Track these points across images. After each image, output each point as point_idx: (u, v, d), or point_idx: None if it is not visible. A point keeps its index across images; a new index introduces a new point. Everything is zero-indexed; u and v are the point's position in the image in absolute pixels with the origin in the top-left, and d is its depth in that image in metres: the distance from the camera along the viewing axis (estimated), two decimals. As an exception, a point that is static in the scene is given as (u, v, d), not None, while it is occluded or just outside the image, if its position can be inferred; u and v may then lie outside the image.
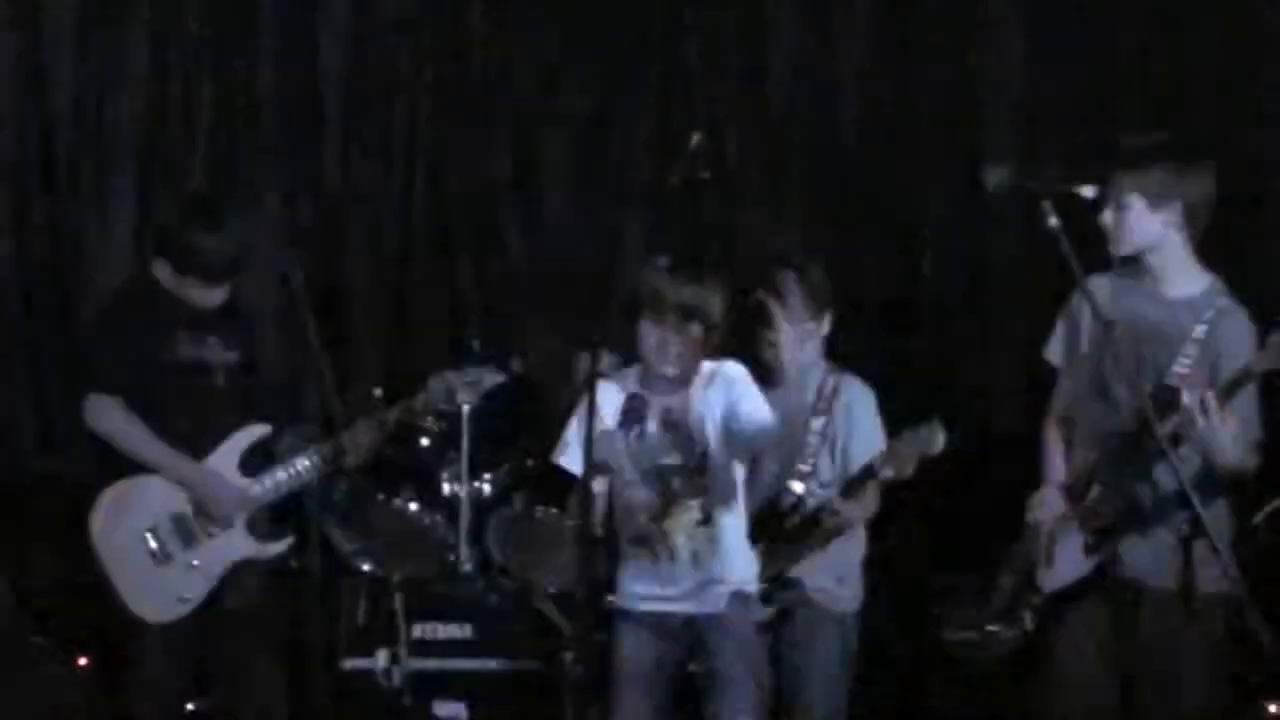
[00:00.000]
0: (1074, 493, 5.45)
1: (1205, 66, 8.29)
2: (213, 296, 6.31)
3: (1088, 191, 5.32)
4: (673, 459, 5.45)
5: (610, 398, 5.49)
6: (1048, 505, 5.49)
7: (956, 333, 8.47)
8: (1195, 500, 4.91)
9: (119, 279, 7.04)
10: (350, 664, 6.88)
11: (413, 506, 7.21)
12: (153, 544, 6.20)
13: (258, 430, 6.36)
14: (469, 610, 6.94)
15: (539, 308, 8.29)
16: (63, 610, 7.18)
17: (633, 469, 5.47)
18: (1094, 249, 5.38)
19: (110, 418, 6.20)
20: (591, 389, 5.39)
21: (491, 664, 6.89)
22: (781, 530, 5.79)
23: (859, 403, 5.94)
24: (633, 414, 5.46)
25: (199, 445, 6.28)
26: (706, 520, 5.44)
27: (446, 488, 7.23)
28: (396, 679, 6.83)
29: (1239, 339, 5.24)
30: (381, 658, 6.86)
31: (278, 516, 6.35)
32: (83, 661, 6.92)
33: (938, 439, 5.45)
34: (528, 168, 8.58)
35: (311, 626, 6.61)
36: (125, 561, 6.19)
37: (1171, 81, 8.25)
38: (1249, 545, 6.26)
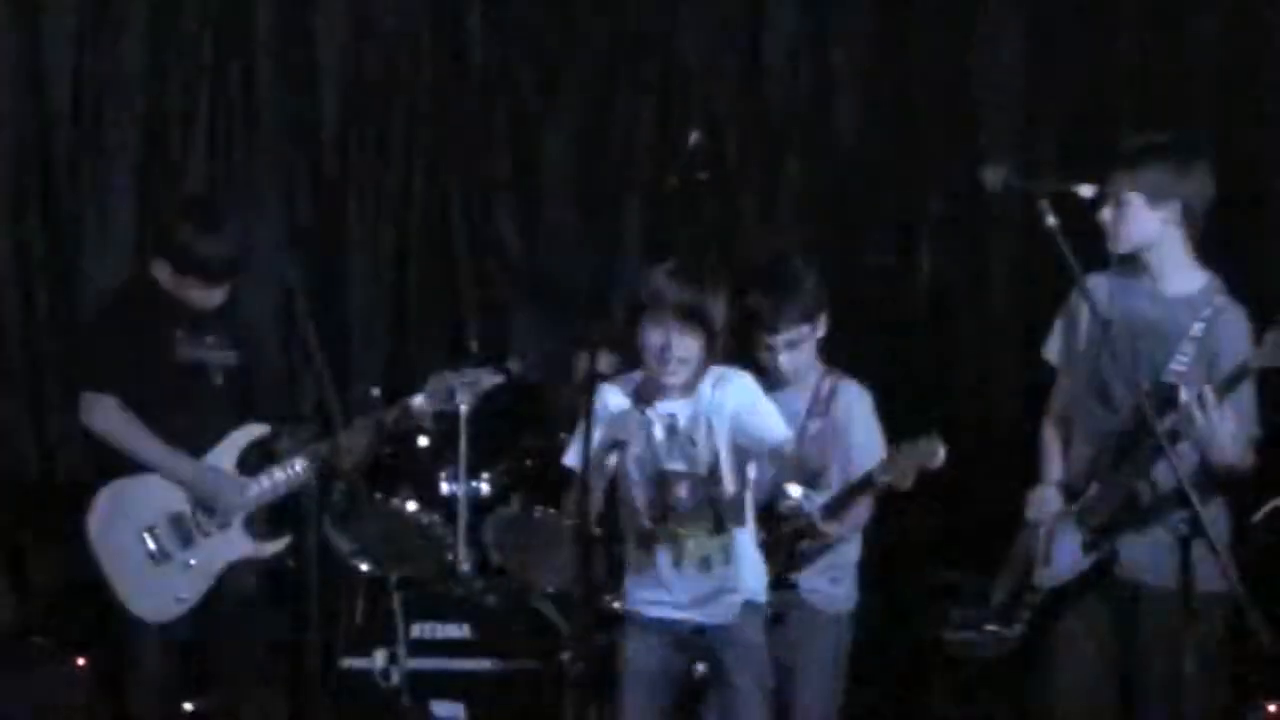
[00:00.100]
0: (1072, 491, 5.45)
1: (1205, 66, 8.28)
2: (211, 297, 6.31)
3: (1085, 191, 5.32)
4: (678, 465, 5.41)
5: (616, 401, 5.47)
6: (1046, 503, 5.49)
7: (956, 333, 8.48)
8: (1193, 498, 4.90)
9: (118, 279, 7.04)
10: (348, 664, 6.86)
11: (411, 506, 7.20)
12: (150, 543, 6.20)
13: (256, 430, 6.36)
14: (467, 610, 6.92)
15: (537, 308, 8.30)
16: (63, 610, 7.18)
17: (638, 473, 5.44)
18: (1092, 248, 5.37)
19: (108, 417, 6.20)
20: (590, 389, 5.38)
21: (490, 664, 6.88)
22: (777, 535, 5.77)
23: (856, 406, 5.93)
24: (644, 398, 5.42)
25: (197, 445, 6.28)
26: (719, 528, 5.41)
27: (444, 487, 7.22)
28: (395, 679, 6.81)
29: (1237, 336, 5.25)
30: (379, 658, 6.85)
31: (275, 516, 6.35)
32: (81, 662, 6.90)
33: (938, 453, 5.42)
34: (526, 168, 8.59)
35: (309, 626, 6.60)
36: (123, 561, 6.19)
37: (1171, 81, 8.24)
38: (1248, 545, 6.27)
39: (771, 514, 5.78)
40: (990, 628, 5.64)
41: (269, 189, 8.32)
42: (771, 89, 8.60)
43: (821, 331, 5.95)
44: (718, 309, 5.40)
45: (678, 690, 5.54)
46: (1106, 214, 5.38)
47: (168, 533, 6.22)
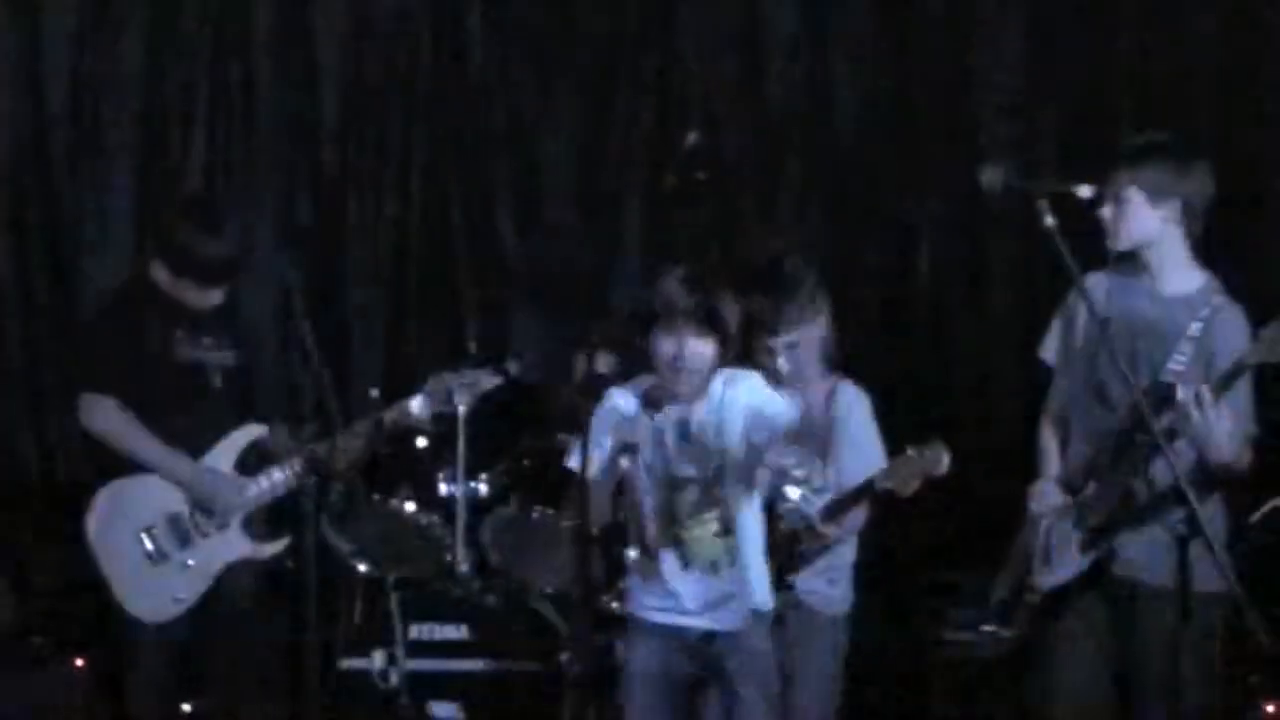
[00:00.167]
0: (1071, 490, 5.45)
1: (1205, 66, 8.29)
2: (210, 298, 6.31)
3: (1084, 191, 5.31)
4: (688, 470, 5.40)
5: (627, 405, 5.46)
6: (1047, 496, 5.49)
7: (956, 333, 8.47)
8: (1191, 497, 4.90)
9: (117, 279, 7.04)
10: (347, 664, 6.86)
11: (409, 507, 7.20)
12: (148, 544, 6.20)
13: (254, 431, 6.36)
14: (465, 611, 6.92)
15: (537, 308, 8.29)
16: (62, 610, 7.18)
17: (649, 479, 5.43)
18: (1090, 248, 5.37)
19: (106, 417, 6.20)
20: (589, 390, 5.37)
21: (488, 665, 6.88)
22: (775, 536, 5.76)
23: (855, 407, 5.91)
24: (653, 402, 5.42)
25: (195, 445, 6.28)
26: (726, 531, 5.40)
27: (443, 488, 7.22)
28: (393, 679, 6.81)
29: (1235, 336, 5.25)
30: (378, 658, 6.84)
31: (274, 517, 6.35)
32: (80, 662, 6.90)
33: (942, 461, 5.42)
34: (526, 168, 8.58)
35: (307, 627, 6.60)
36: (121, 561, 6.19)
37: (1171, 81, 8.24)
38: (1246, 545, 6.27)
39: (770, 515, 5.77)
40: (989, 628, 5.63)
41: (268, 189, 8.33)
42: (771, 89, 8.60)
43: (821, 332, 5.94)
44: (730, 313, 5.38)
45: (682, 696, 5.51)
46: (1106, 211, 5.39)
47: (166, 533, 6.22)
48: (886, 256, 8.48)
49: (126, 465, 6.22)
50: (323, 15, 8.43)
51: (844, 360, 5.96)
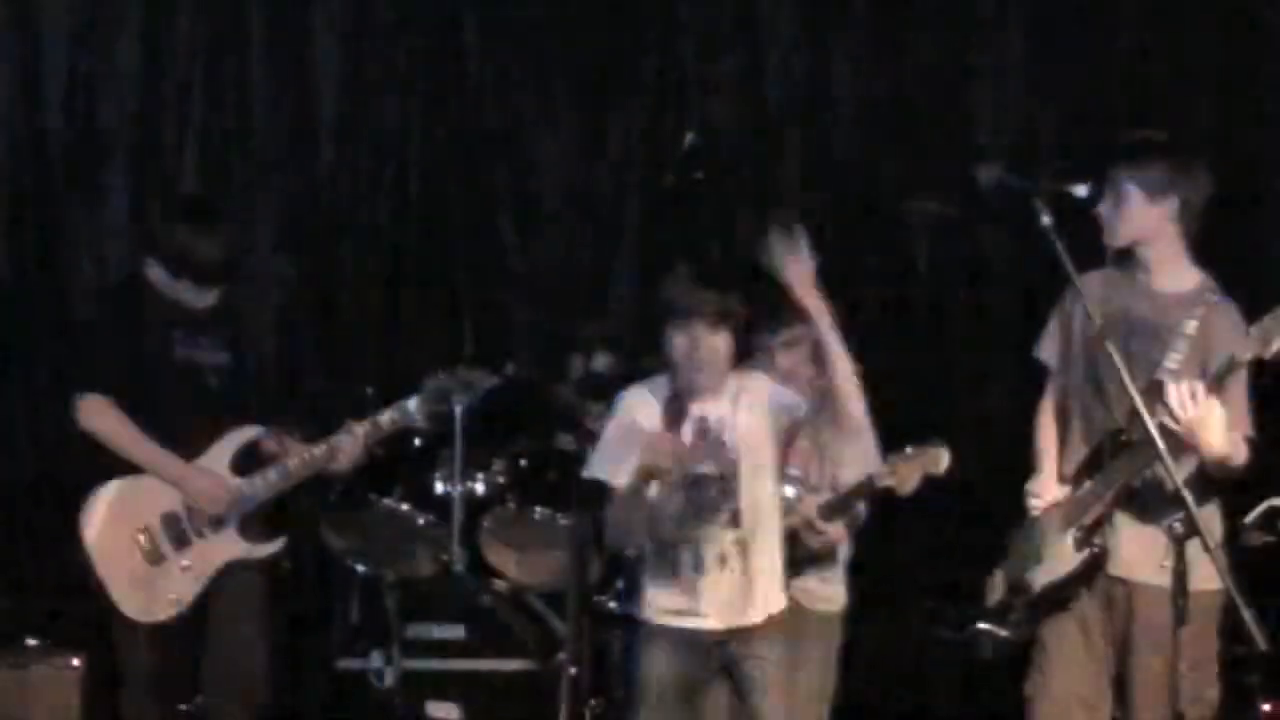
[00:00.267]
0: (1068, 488, 5.44)
1: (1205, 66, 8.28)
2: (206, 298, 6.30)
3: (1080, 190, 5.32)
4: (707, 468, 5.40)
5: (647, 407, 5.46)
6: (1045, 491, 5.48)
7: (955, 332, 8.47)
8: (1188, 496, 4.89)
9: (113, 279, 7.03)
10: (344, 664, 6.87)
11: (405, 507, 7.19)
12: (145, 544, 6.19)
13: (250, 431, 6.35)
14: (462, 611, 6.93)
15: (535, 308, 8.29)
16: (61, 610, 7.17)
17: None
18: (1088, 248, 5.36)
19: (102, 418, 6.19)
20: (588, 389, 5.37)
21: (485, 664, 6.88)
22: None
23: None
24: (675, 416, 5.42)
25: (191, 446, 6.26)
26: (735, 524, 5.40)
27: (439, 488, 7.22)
28: (390, 679, 6.82)
29: (1230, 334, 5.23)
30: (375, 658, 6.86)
31: (271, 517, 6.34)
32: (77, 662, 6.89)
33: (942, 460, 5.43)
34: (524, 168, 8.58)
35: (305, 627, 6.61)
36: (117, 562, 6.17)
37: (1171, 81, 8.24)
38: (1241, 545, 6.26)
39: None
40: (987, 627, 5.62)
41: (265, 190, 8.32)
42: (771, 89, 8.60)
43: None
44: (740, 310, 5.42)
45: (697, 699, 5.49)
46: (1105, 207, 5.39)
47: (162, 534, 6.21)
48: (884, 257, 8.47)
49: (124, 466, 6.21)
50: (320, 15, 8.43)
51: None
